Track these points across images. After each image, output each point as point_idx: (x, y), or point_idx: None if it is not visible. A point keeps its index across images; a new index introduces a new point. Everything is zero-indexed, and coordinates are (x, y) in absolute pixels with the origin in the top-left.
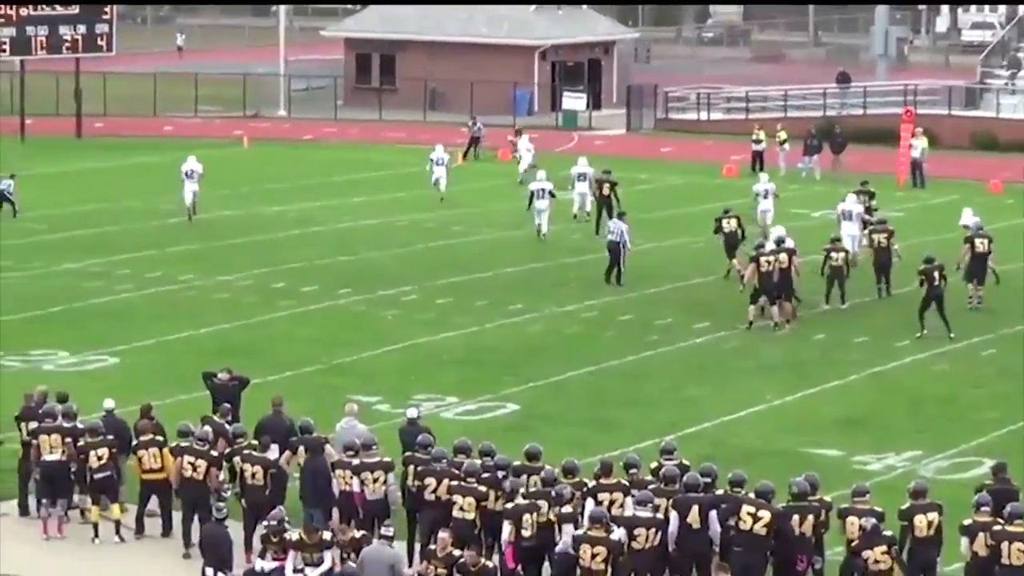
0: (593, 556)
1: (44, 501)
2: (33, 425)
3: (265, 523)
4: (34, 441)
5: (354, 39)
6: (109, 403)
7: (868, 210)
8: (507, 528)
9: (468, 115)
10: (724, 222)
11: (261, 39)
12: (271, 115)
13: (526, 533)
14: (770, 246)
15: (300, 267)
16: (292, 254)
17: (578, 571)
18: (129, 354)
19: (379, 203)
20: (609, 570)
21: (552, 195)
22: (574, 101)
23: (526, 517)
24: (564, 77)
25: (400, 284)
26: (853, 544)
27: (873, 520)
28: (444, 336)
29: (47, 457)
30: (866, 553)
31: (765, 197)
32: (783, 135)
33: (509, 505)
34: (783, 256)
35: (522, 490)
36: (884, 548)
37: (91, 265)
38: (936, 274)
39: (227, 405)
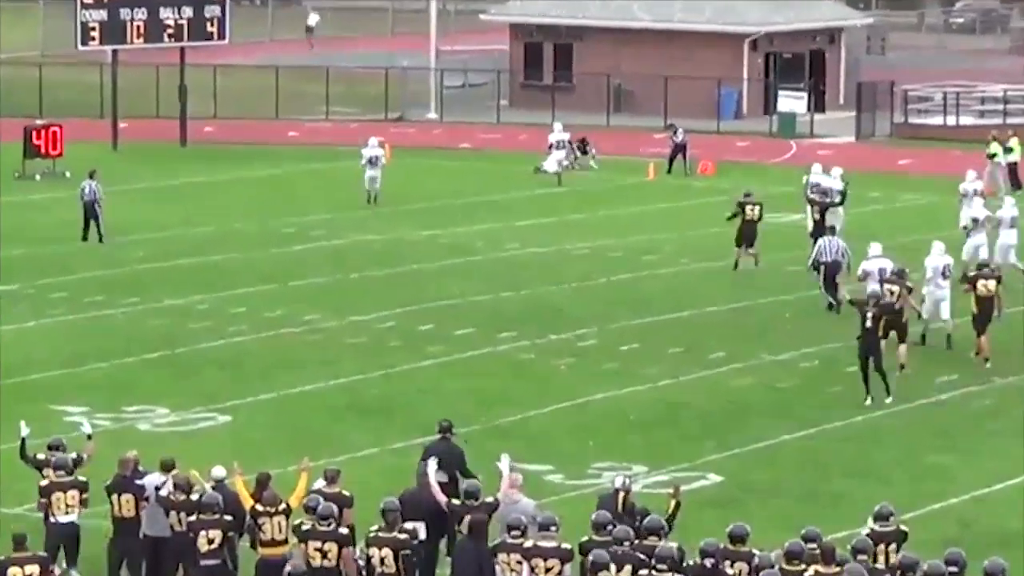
0: None
1: None
2: (127, 497)
3: None
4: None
5: (522, 25)
6: (219, 472)
7: None
8: None
9: (660, 117)
10: (747, 208)
11: (407, 25)
12: (419, 118)
13: None
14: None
15: (453, 305)
16: (443, 289)
17: None
18: (243, 411)
19: (551, 226)
20: None
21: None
22: (792, 102)
23: None
24: (780, 72)
25: (576, 326)
26: None
27: None
28: (630, 391)
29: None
30: None
31: (977, 228)
32: (1015, 144)
33: None
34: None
35: None
36: None
37: (197, 302)
38: None
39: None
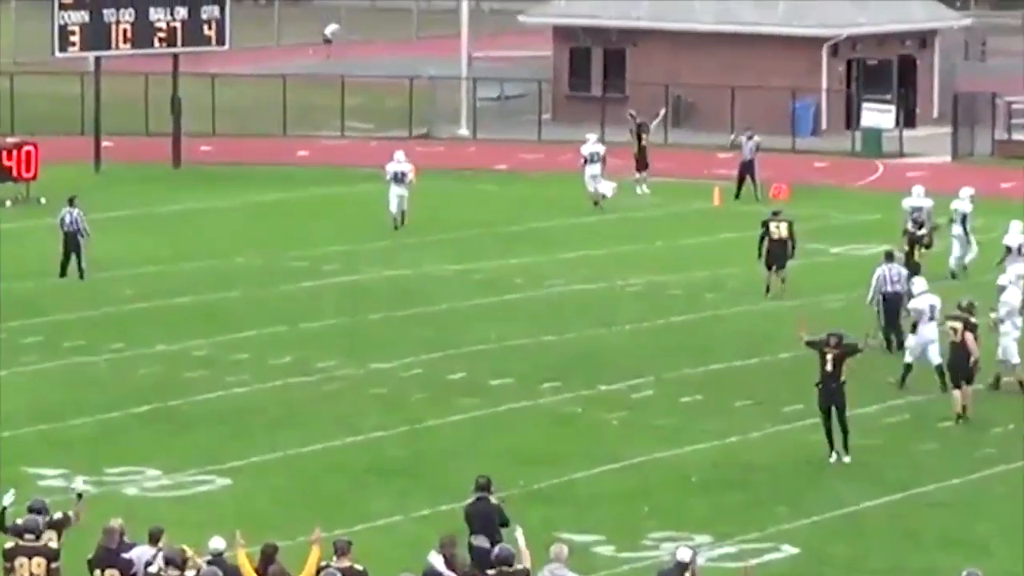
0: None
1: None
2: (112, 573)
3: None
4: None
5: (566, 27)
6: (218, 543)
7: None
8: None
9: (726, 133)
10: (772, 226)
11: (434, 27)
12: (448, 135)
13: None
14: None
15: (488, 351)
16: (476, 332)
17: None
18: (245, 473)
19: (601, 260)
20: None
21: None
22: (878, 115)
23: None
24: (864, 82)
25: (630, 375)
26: None
27: None
28: (691, 449)
29: None
30: None
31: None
32: None
33: None
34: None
35: None
36: None
37: (193, 347)
38: None
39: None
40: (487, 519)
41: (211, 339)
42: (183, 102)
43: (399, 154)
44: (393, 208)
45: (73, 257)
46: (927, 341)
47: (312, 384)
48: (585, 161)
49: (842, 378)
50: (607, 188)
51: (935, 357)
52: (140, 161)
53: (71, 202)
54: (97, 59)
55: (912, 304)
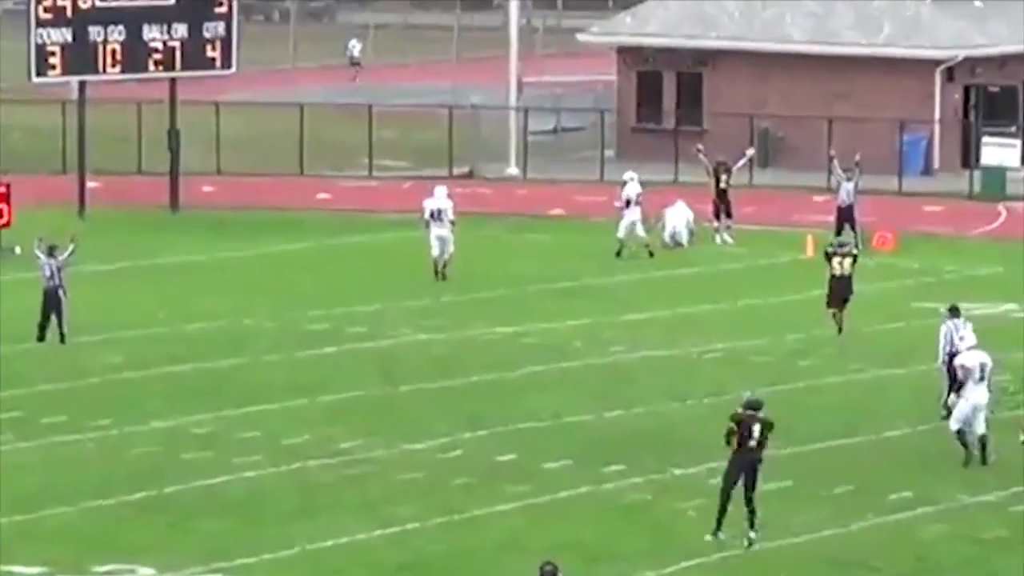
0: None
1: None
2: None
3: None
4: None
5: (633, 48)
6: None
7: None
8: None
9: (821, 173)
10: (835, 260)
11: (478, 48)
12: (495, 175)
13: None
14: None
15: (541, 428)
16: (528, 406)
17: None
18: (256, 573)
19: (674, 321)
20: None
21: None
22: (1001, 151)
23: None
24: (985, 112)
25: (707, 457)
26: None
27: None
28: (781, 544)
29: None
30: None
31: None
32: None
33: None
34: None
35: None
36: None
37: (193, 423)
38: None
39: None
40: None
41: (215, 414)
42: (182, 135)
43: (440, 190)
44: (435, 253)
45: (53, 318)
46: (977, 407)
47: (334, 467)
48: (628, 204)
49: (765, 449)
50: (683, 230)
51: (980, 426)
52: (132, 204)
53: (51, 252)
54: (81, 84)
55: (960, 360)
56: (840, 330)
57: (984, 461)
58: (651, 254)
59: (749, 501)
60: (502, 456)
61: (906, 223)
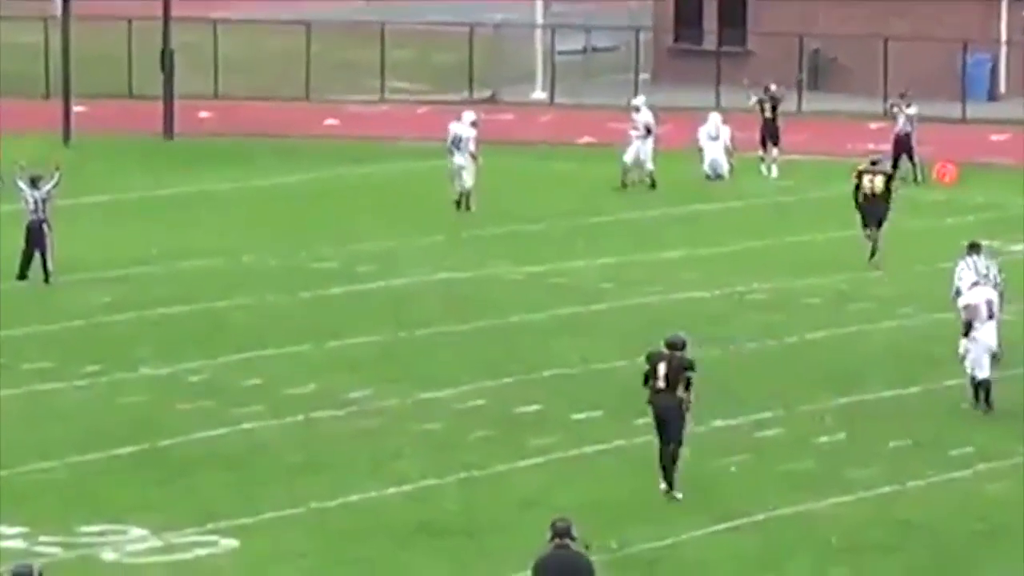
0: None
1: None
2: None
3: None
4: None
5: None
6: None
7: None
8: None
9: (877, 99)
10: (866, 179)
11: None
12: (520, 99)
13: None
14: None
15: (568, 376)
16: (554, 352)
17: None
18: (257, 534)
19: (714, 260)
20: None
21: None
22: None
23: None
24: None
25: (751, 409)
26: None
27: None
28: (832, 502)
29: None
30: None
31: None
32: None
33: None
34: None
35: None
36: None
37: (189, 371)
38: None
39: None
40: (569, 574)
41: (212, 360)
42: (177, 55)
43: (467, 115)
44: (456, 185)
45: (36, 254)
46: (987, 348)
47: (343, 419)
48: (648, 132)
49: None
50: (722, 160)
51: (984, 371)
52: (121, 131)
53: (34, 182)
54: (66, 2)
55: (964, 300)
56: (873, 253)
57: (987, 407)
58: (653, 184)
59: (661, 454)
60: (526, 407)
61: (969, 153)
